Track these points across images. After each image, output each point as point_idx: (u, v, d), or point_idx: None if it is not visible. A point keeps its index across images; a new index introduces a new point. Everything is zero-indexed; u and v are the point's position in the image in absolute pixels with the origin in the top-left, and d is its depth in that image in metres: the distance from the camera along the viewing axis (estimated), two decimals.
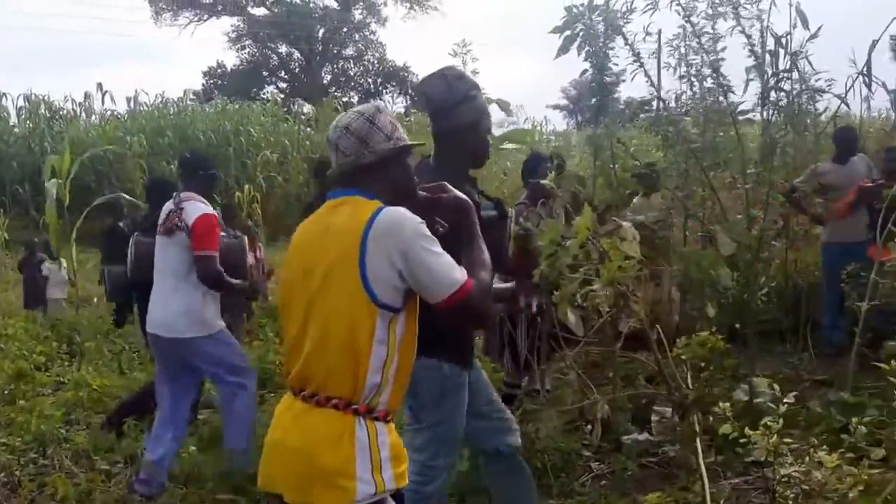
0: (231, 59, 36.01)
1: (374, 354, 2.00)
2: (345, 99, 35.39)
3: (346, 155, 2.13)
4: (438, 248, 2.03)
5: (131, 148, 14.72)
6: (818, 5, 8.76)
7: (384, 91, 36.63)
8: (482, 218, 2.62)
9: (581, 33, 5.15)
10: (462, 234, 2.24)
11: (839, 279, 5.59)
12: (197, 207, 4.19)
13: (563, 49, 5.47)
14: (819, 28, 7.83)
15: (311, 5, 36.30)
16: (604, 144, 5.49)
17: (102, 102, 15.77)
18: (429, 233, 2.03)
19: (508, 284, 3.23)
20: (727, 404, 3.21)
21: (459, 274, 2.02)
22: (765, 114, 8.04)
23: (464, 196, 2.29)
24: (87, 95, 16.34)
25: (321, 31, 36.48)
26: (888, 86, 7.31)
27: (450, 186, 2.30)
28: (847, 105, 7.84)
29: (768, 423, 3.08)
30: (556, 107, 42.35)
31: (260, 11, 35.93)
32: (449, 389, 2.79)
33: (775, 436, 3.04)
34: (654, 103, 6.11)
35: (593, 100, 5.62)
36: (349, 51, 37.40)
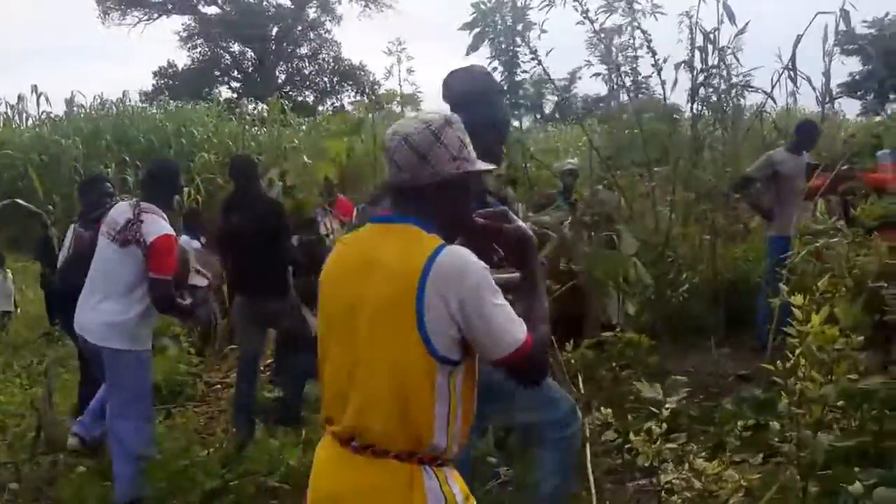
0: (182, 59, 35.41)
1: (437, 415, 1.79)
2: (300, 98, 35.22)
3: (400, 170, 1.83)
4: (501, 300, 1.79)
5: (66, 151, 14.31)
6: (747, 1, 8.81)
7: (340, 90, 36.35)
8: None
9: (490, 30, 5.07)
10: (520, 268, 2.00)
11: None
12: (157, 225, 4.06)
13: (474, 47, 5.40)
14: (746, 24, 7.87)
15: (264, 3, 35.84)
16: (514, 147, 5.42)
17: (38, 105, 15.30)
18: (492, 281, 1.79)
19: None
20: (608, 410, 3.12)
21: (520, 332, 1.79)
22: (694, 109, 8.09)
23: (527, 228, 2.04)
24: (20, 98, 15.87)
25: (275, 29, 36.03)
26: (812, 81, 7.36)
27: (512, 214, 2.04)
28: (773, 100, 7.88)
29: (652, 427, 3.00)
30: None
31: (212, 10, 35.37)
32: None
33: (658, 440, 2.97)
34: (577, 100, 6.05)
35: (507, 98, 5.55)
36: (304, 49, 36.99)
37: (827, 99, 7.26)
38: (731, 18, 7.59)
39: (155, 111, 18.12)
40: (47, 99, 15.42)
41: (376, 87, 21.29)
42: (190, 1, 34.20)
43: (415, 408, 1.78)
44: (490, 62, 5.46)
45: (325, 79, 36.67)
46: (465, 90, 2.85)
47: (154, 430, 4.31)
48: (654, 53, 5.30)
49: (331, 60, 36.72)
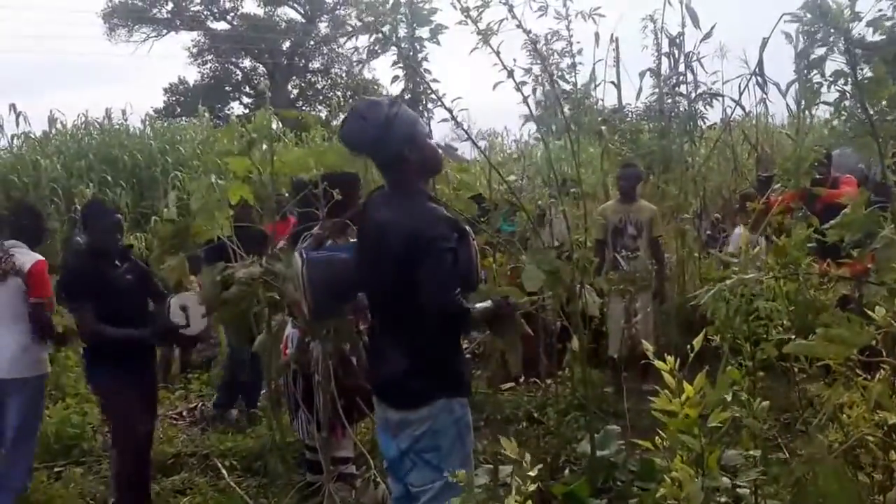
0: (193, 75, 35.38)
1: None
2: (313, 112, 34.95)
3: None
4: None
5: (45, 170, 13.99)
6: (711, 4, 8.15)
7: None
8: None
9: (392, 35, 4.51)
10: None
11: None
12: (30, 255, 4.48)
13: (374, 53, 4.87)
14: (712, 27, 7.21)
15: (275, 18, 35.70)
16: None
17: (17, 125, 15.00)
18: None
19: (487, 304, 2.96)
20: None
21: None
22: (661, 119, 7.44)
23: None
24: None
25: (286, 44, 35.89)
26: (781, 87, 6.69)
27: None
28: (742, 108, 7.23)
29: None
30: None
31: (220, 25, 35.34)
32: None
33: None
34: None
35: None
36: (316, 64, 36.82)
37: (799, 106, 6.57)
38: (695, 22, 6.97)
39: (141, 128, 17.73)
40: (26, 119, 15.10)
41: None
42: (199, 17, 34.13)
43: None
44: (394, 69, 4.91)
45: (338, 93, 36.41)
46: (362, 135, 2.77)
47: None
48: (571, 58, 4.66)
49: (343, 75, 36.51)
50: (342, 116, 3.30)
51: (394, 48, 4.55)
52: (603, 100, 7.70)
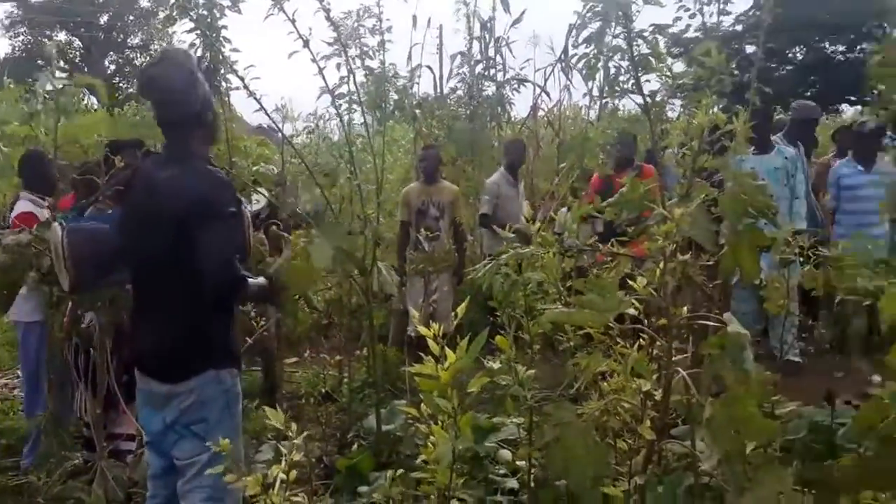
0: (4, 48, 32.70)
1: None
2: (130, 89, 33.03)
3: None
4: None
5: None
6: None
7: None
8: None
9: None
10: None
11: None
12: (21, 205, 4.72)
13: (170, 20, 4.59)
14: (522, 13, 7.40)
15: None
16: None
17: None
18: None
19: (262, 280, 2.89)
20: None
21: None
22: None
23: None
24: None
25: (104, 17, 33.88)
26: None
27: None
28: (548, 94, 7.48)
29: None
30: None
31: None
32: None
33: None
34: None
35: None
36: (135, 40, 34.89)
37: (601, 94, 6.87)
38: (506, 7, 7.13)
39: None
40: None
41: None
42: None
43: None
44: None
45: None
46: (175, 83, 2.64)
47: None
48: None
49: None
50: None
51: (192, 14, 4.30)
52: (418, 83, 7.69)
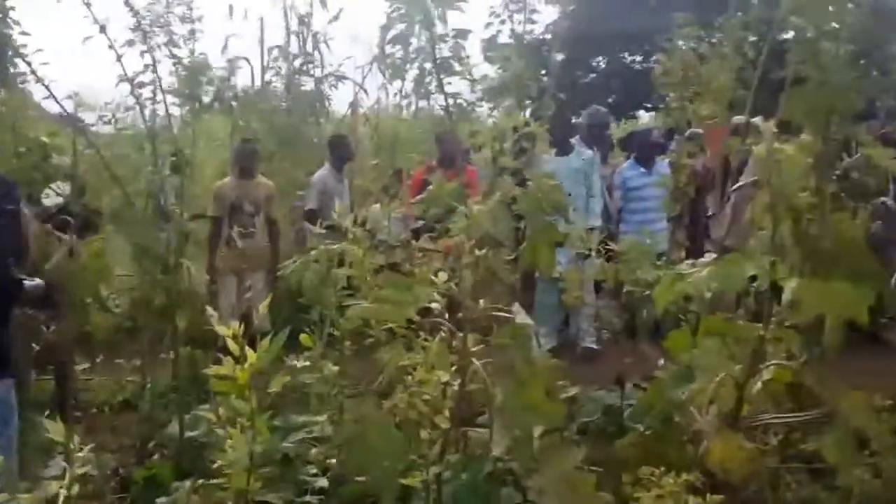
0: None
1: None
2: None
3: None
4: None
5: None
6: None
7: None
8: None
9: None
10: None
11: None
12: None
13: None
14: (340, 10, 7.39)
15: None
16: None
17: None
18: None
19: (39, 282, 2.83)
20: None
21: None
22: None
23: None
24: None
25: None
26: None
27: None
28: (366, 92, 7.53)
29: None
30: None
31: None
32: None
33: None
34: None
35: None
36: None
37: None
38: (323, 3, 7.09)
39: None
40: None
41: None
42: None
43: None
44: None
45: None
46: None
47: None
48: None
49: None
50: None
51: None
52: (235, 75, 7.45)
